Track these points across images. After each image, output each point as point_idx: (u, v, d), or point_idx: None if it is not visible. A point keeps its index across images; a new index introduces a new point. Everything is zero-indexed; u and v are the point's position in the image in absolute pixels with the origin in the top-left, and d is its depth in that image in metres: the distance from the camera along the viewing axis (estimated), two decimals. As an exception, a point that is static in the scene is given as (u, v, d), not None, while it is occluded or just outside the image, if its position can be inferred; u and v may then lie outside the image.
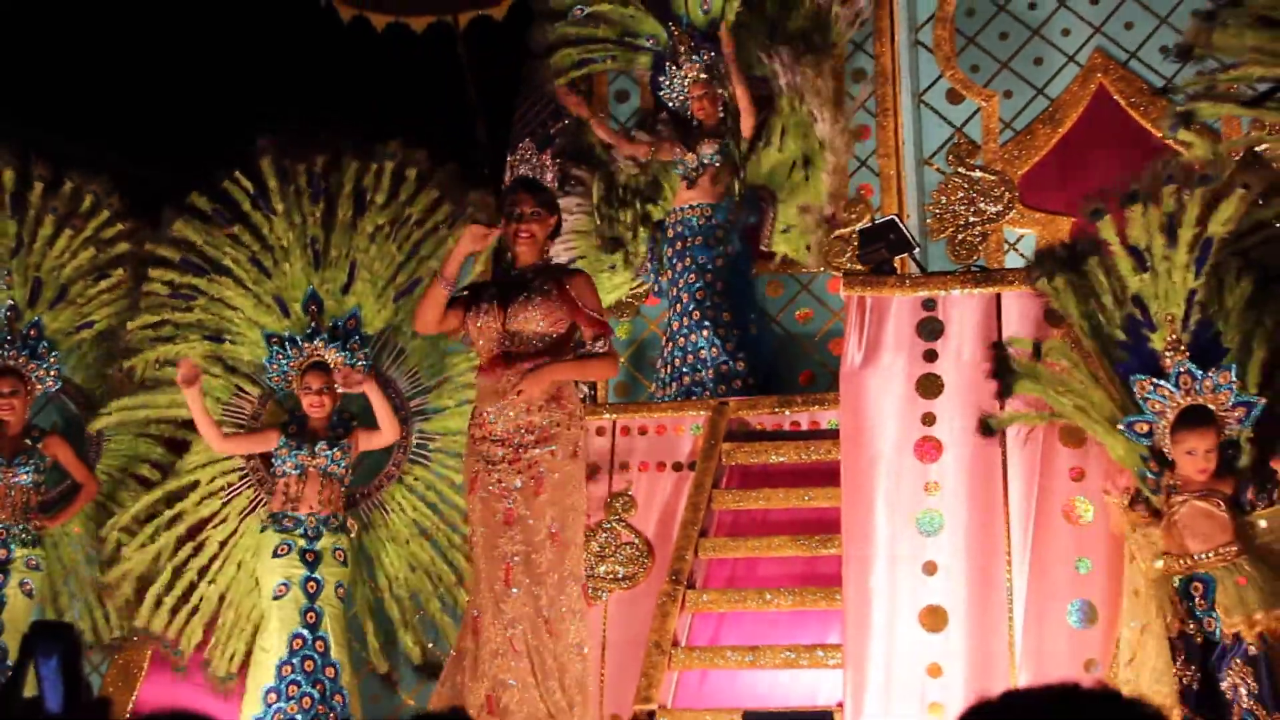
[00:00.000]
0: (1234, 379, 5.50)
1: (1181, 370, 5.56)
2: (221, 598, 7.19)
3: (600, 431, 7.08)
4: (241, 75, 10.30)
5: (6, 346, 7.61)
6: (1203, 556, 5.35)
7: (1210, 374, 5.51)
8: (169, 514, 7.28)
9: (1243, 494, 5.41)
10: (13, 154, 7.88)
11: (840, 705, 5.95)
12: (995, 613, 5.99)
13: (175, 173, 8.51)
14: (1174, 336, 5.64)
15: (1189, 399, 5.53)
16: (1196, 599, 5.35)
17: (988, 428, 6.13)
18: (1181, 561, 5.39)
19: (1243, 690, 5.23)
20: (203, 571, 7.24)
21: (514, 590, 5.87)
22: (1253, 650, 5.23)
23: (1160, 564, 5.47)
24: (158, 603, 7.20)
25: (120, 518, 7.36)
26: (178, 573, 7.24)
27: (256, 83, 10.04)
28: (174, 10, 10.78)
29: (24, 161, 7.87)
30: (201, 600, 7.21)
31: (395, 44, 9.13)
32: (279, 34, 9.87)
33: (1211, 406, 5.50)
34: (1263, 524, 5.37)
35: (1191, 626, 5.35)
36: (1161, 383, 5.57)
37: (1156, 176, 5.90)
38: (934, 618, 6.01)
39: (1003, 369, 6.11)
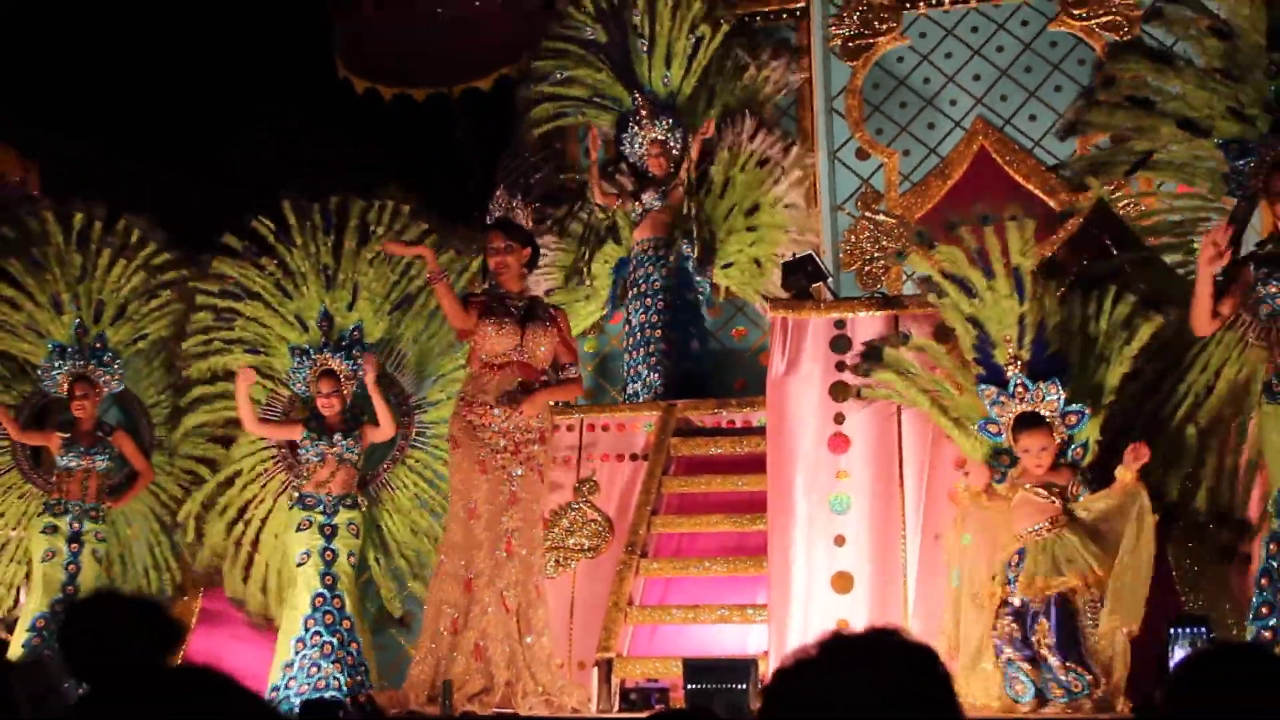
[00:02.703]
0: (1061, 390, 5.51)
1: (1017, 382, 5.58)
2: (266, 565, 7.26)
3: (570, 428, 7.06)
4: (271, 133, 10.12)
5: (77, 356, 7.61)
6: (1024, 533, 5.39)
7: (1040, 385, 5.53)
8: (222, 501, 7.38)
9: (1069, 489, 5.44)
10: (79, 198, 7.91)
11: (765, 654, 5.95)
12: (893, 577, 6.01)
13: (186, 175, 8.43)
14: (1011, 354, 5.66)
15: (1023, 406, 5.55)
16: (1013, 569, 5.38)
17: (842, 390, 6.20)
18: (1018, 539, 5.41)
19: (1045, 643, 5.25)
20: (253, 542, 7.35)
21: (513, 559, 5.94)
22: (1034, 607, 5.28)
23: (968, 538, 5.56)
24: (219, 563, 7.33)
25: (192, 503, 7.45)
26: (238, 545, 7.35)
27: (284, 142, 9.89)
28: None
29: (86, 203, 7.89)
30: (251, 565, 7.30)
31: (401, 110, 9.12)
32: (307, 103, 9.75)
33: (1044, 412, 5.52)
34: (1081, 513, 5.39)
35: (1009, 590, 5.38)
36: (1000, 391, 5.62)
37: (952, 222, 5.98)
38: (843, 581, 6.03)
39: (868, 358, 6.14)
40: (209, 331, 7.52)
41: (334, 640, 6.60)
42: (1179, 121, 5.86)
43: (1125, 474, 5.31)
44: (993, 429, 5.65)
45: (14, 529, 7.53)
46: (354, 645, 6.67)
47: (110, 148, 9.59)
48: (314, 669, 6.53)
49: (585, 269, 8.25)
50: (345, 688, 6.47)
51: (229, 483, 7.40)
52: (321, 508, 6.82)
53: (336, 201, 7.48)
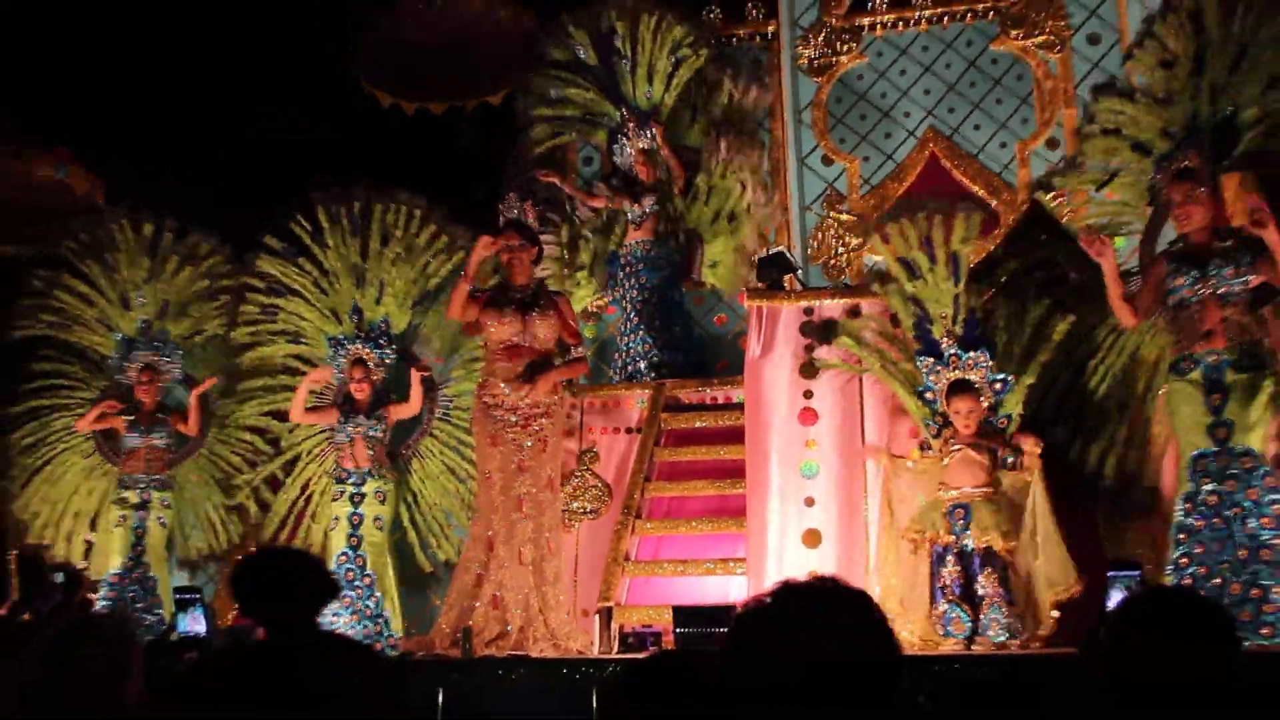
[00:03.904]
0: (988, 360, 5.64)
1: (950, 353, 5.72)
2: (309, 530, 7.37)
3: (574, 406, 7.13)
4: (299, 140, 9.96)
5: (144, 347, 7.72)
6: (967, 490, 5.50)
7: (971, 354, 5.67)
8: (289, 479, 7.54)
9: (998, 451, 5.57)
10: (151, 211, 7.99)
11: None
12: (856, 534, 6.10)
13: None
14: (947, 329, 5.78)
15: (956, 374, 5.69)
16: (958, 520, 5.48)
17: (810, 369, 6.25)
18: (952, 492, 5.53)
19: (990, 589, 5.38)
20: (313, 515, 7.49)
21: (525, 519, 6.02)
22: (1001, 559, 5.39)
23: (922, 499, 5.66)
24: (280, 534, 7.48)
25: (257, 476, 7.60)
26: (299, 516, 7.51)
27: (315, 147, 9.76)
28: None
29: (158, 217, 7.97)
30: (309, 534, 7.44)
31: (421, 123, 9.12)
32: (333, 114, 9.67)
33: (973, 378, 5.65)
34: (1004, 481, 5.54)
35: (952, 540, 5.48)
36: (936, 362, 5.74)
37: (910, 208, 6.07)
38: (812, 538, 6.13)
39: (825, 330, 6.26)
40: (256, 324, 7.58)
41: (353, 594, 6.72)
42: (1133, 145, 5.93)
43: (1028, 457, 5.47)
44: (929, 395, 5.78)
45: (91, 534, 7.69)
46: (373, 599, 6.77)
47: (99, 156, 9.23)
48: (334, 619, 6.62)
49: (586, 266, 8.33)
50: (362, 636, 6.58)
51: (294, 462, 7.56)
52: (352, 479, 6.93)
53: (360, 205, 7.53)
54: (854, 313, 6.28)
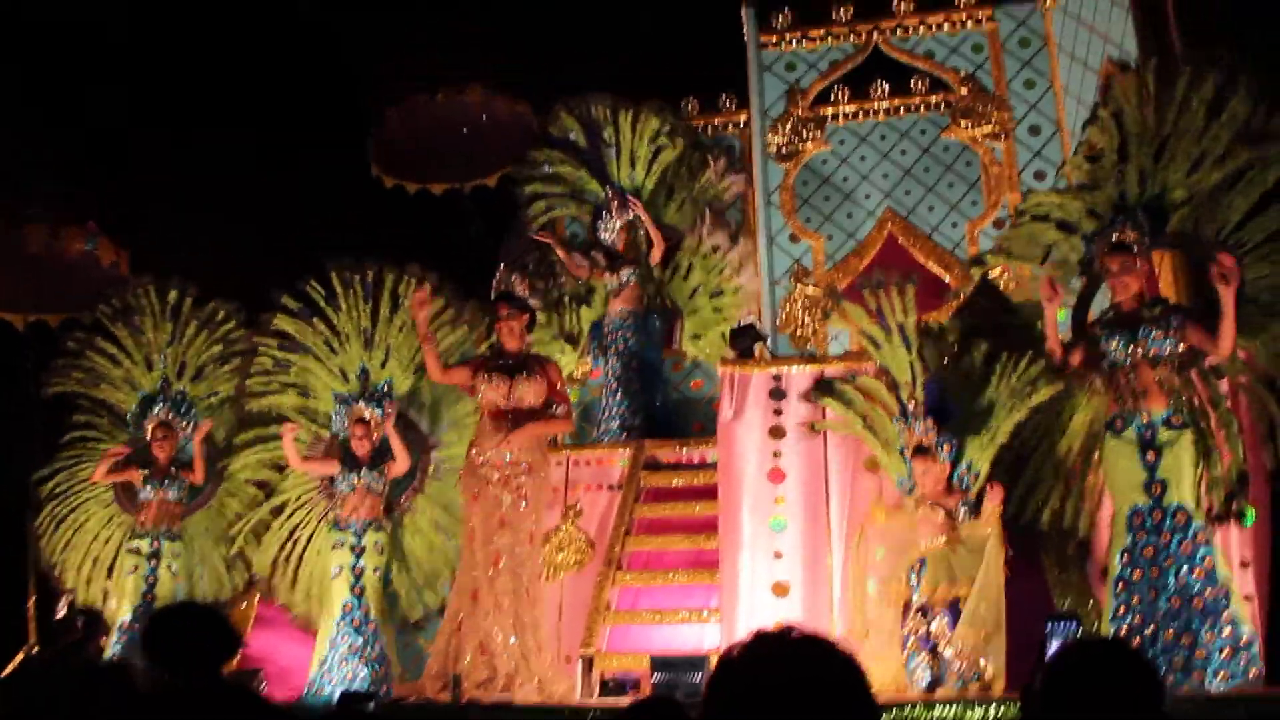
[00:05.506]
0: (934, 425, 5.63)
1: (913, 417, 5.72)
2: (310, 575, 7.22)
3: (559, 464, 7.08)
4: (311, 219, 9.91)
5: (162, 406, 7.63)
6: (927, 545, 5.47)
7: (922, 420, 5.67)
8: (275, 522, 7.35)
9: (953, 509, 5.53)
10: (171, 279, 7.94)
11: (718, 649, 5.94)
12: (821, 585, 6.07)
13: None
14: (909, 394, 5.76)
15: (918, 438, 5.67)
16: (915, 575, 5.45)
17: (779, 431, 6.27)
18: (917, 549, 5.49)
19: (942, 639, 5.33)
20: (299, 558, 7.29)
21: (505, 572, 5.92)
22: (936, 609, 5.34)
23: (881, 552, 5.61)
24: (271, 575, 7.29)
25: (245, 524, 7.41)
26: (286, 561, 7.30)
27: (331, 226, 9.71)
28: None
29: (182, 284, 7.93)
30: (296, 576, 7.25)
31: (422, 202, 9.15)
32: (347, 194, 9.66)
33: (924, 442, 5.64)
34: (964, 533, 5.49)
35: (911, 590, 5.44)
36: (902, 424, 5.73)
37: (863, 284, 6.11)
38: (781, 588, 6.08)
39: (818, 392, 6.26)
40: (269, 375, 7.51)
41: (359, 640, 6.60)
42: (1058, 224, 5.98)
43: (989, 507, 5.43)
44: (908, 455, 5.76)
45: (108, 580, 7.56)
46: (377, 644, 6.65)
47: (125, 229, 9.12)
48: (343, 664, 6.52)
49: (576, 332, 8.33)
50: (369, 679, 6.46)
51: (280, 509, 7.39)
52: (352, 529, 6.81)
53: (373, 273, 7.47)
54: (846, 379, 6.23)
